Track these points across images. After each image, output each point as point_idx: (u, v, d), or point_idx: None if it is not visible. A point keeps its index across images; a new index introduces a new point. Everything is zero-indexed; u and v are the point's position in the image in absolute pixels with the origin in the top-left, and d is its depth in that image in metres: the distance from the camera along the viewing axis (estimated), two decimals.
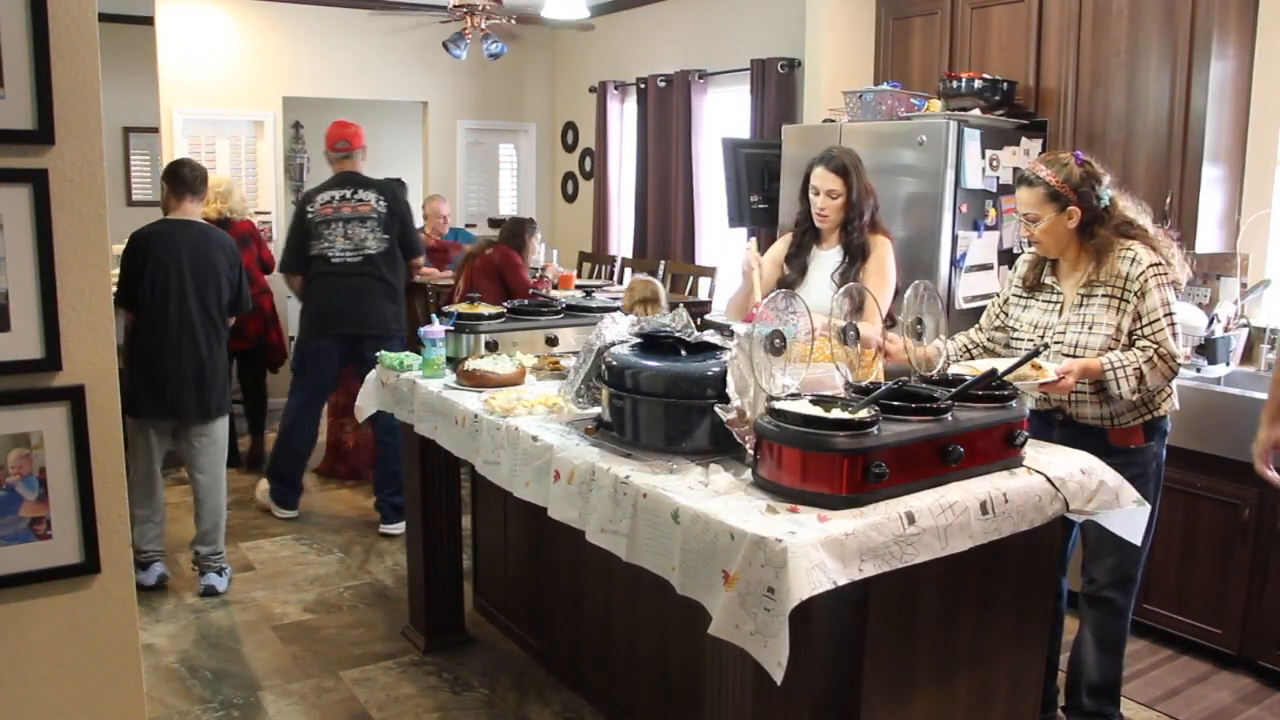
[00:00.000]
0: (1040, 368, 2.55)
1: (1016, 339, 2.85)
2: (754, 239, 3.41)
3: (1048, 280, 2.82)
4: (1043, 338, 2.76)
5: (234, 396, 5.62)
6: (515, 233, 5.29)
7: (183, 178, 3.96)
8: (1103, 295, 2.68)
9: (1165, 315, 2.61)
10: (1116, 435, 2.72)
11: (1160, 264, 2.64)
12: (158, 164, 6.83)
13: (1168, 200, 3.76)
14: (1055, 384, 2.55)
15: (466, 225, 7.73)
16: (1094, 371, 2.60)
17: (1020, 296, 2.88)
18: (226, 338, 4.02)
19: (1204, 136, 3.70)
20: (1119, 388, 2.59)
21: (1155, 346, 2.59)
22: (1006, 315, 2.91)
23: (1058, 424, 2.78)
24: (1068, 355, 2.69)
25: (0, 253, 1.69)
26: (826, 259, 3.30)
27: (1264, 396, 3.27)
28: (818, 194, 3.24)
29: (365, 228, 4.59)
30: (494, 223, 7.71)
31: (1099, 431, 2.72)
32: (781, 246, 3.44)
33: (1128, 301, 2.64)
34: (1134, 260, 2.64)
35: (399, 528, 4.48)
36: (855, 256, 3.22)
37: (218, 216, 5.16)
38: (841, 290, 2.64)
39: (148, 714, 1.97)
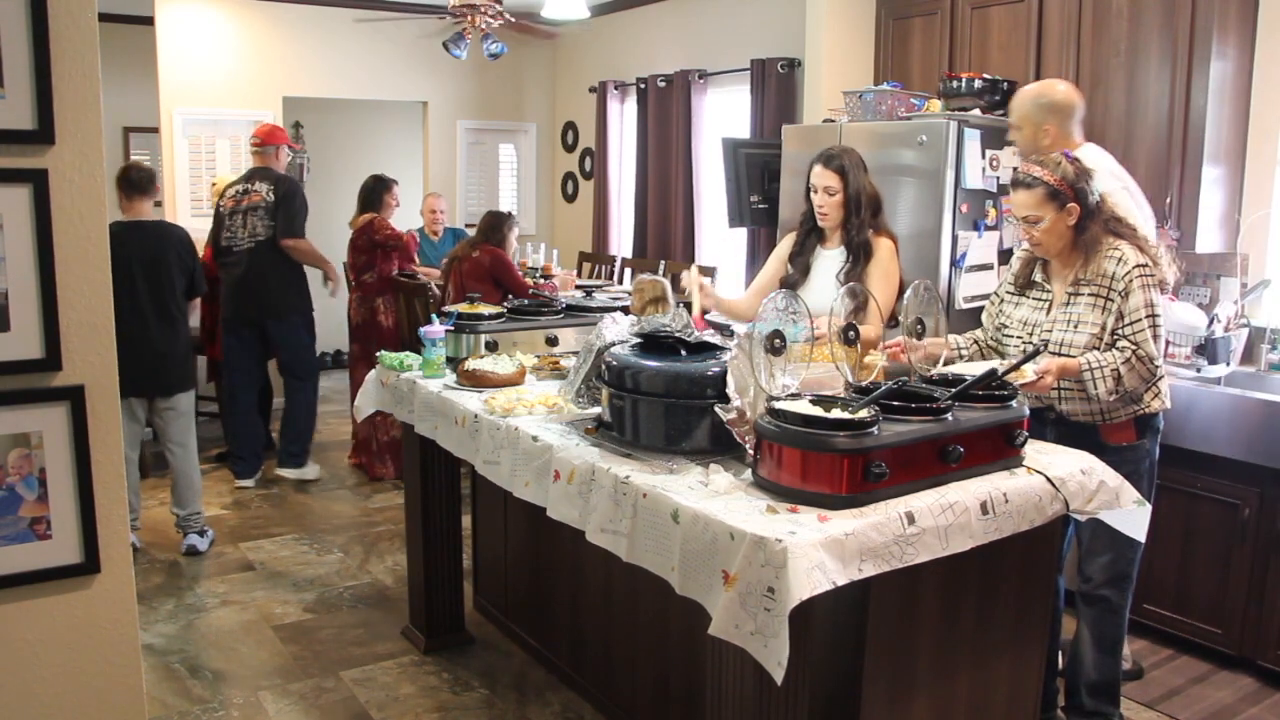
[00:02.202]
0: (1018, 368, 2.56)
1: (1007, 336, 2.86)
2: (696, 266, 3.44)
3: (1038, 278, 2.83)
4: (1031, 335, 2.77)
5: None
6: (495, 226, 5.28)
7: (131, 180, 4.29)
8: (1089, 294, 2.69)
9: (1148, 316, 2.61)
10: (1108, 432, 2.72)
11: (1146, 265, 2.64)
12: (158, 164, 6.83)
13: (1168, 200, 3.76)
14: (1034, 384, 2.56)
15: (466, 225, 7.73)
16: (1072, 371, 2.61)
17: (1012, 294, 2.90)
18: (185, 323, 4.38)
19: (1204, 136, 3.70)
20: (1096, 388, 2.60)
21: (1134, 348, 2.60)
22: (1001, 313, 2.92)
23: (1050, 421, 2.79)
24: (1053, 353, 2.70)
25: (0, 253, 1.69)
26: (830, 258, 3.31)
27: (1265, 396, 3.29)
28: (816, 191, 3.26)
29: (256, 216, 5.12)
30: None
31: (1090, 428, 2.73)
32: (786, 245, 3.45)
33: (1112, 301, 2.64)
34: (1120, 260, 2.64)
35: (292, 473, 5.38)
36: (858, 256, 3.22)
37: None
38: (844, 289, 2.64)
39: (148, 714, 1.97)
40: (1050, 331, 2.73)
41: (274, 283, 5.15)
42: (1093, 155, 3.15)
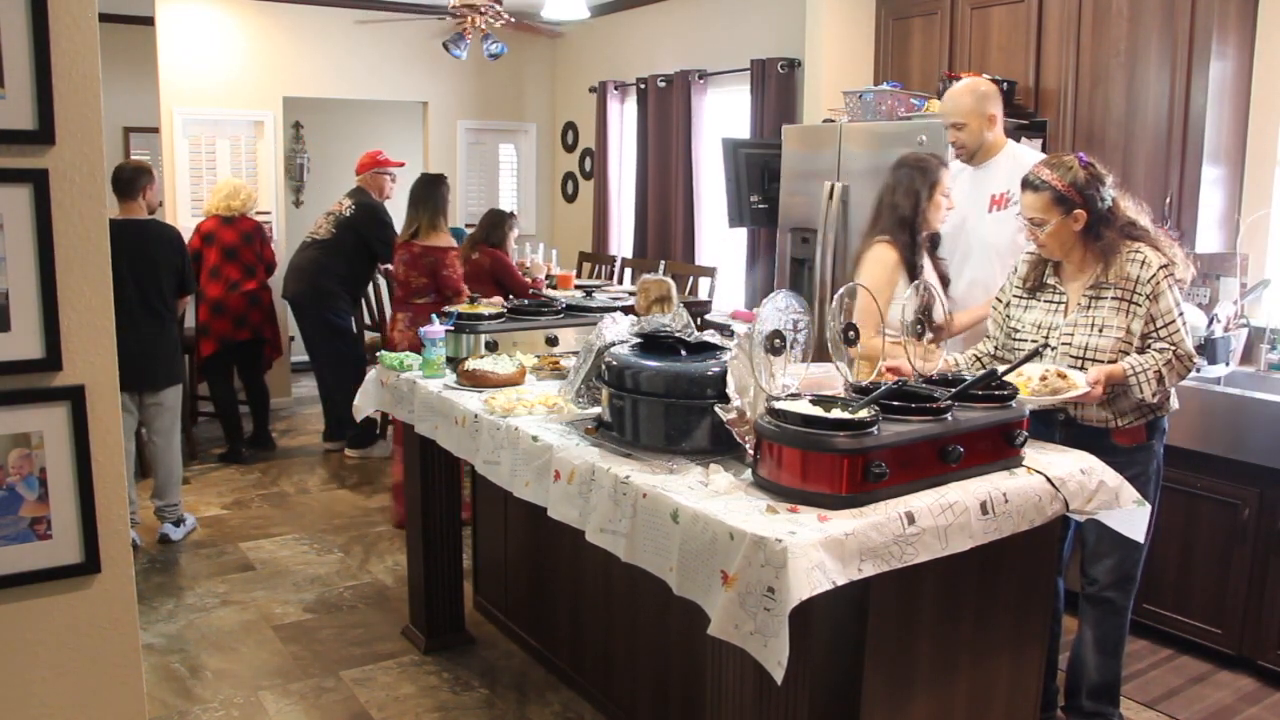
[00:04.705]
0: (1066, 377, 2.55)
1: (1019, 340, 2.84)
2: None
3: (1049, 281, 2.81)
4: (1048, 338, 2.76)
5: (240, 397, 5.82)
6: (495, 225, 5.28)
7: (112, 181, 4.40)
8: (1111, 298, 2.67)
9: (1180, 316, 2.63)
10: (1119, 435, 2.72)
11: (1169, 265, 2.65)
12: (159, 164, 6.83)
13: (1168, 200, 3.76)
14: (1087, 395, 2.55)
15: (466, 225, 7.72)
16: (1117, 377, 2.60)
17: (1021, 297, 2.88)
18: (173, 320, 4.50)
19: (1204, 136, 3.70)
20: (1142, 391, 2.60)
21: (1173, 347, 2.61)
22: (1009, 318, 2.90)
23: (1059, 424, 2.77)
24: (1076, 358, 2.68)
25: (0, 253, 1.69)
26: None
27: (1265, 396, 3.29)
28: (947, 196, 3.23)
29: (329, 221, 5.72)
30: None
31: (1102, 432, 2.72)
32: (898, 274, 3.21)
33: (1138, 305, 2.64)
34: (1144, 263, 2.63)
35: (363, 452, 5.94)
36: (935, 244, 3.36)
37: (229, 213, 5.81)
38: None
39: (148, 714, 1.97)
40: (1072, 335, 2.72)
41: (307, 277, 5.67)
42: (1021, 152, 3.33)
